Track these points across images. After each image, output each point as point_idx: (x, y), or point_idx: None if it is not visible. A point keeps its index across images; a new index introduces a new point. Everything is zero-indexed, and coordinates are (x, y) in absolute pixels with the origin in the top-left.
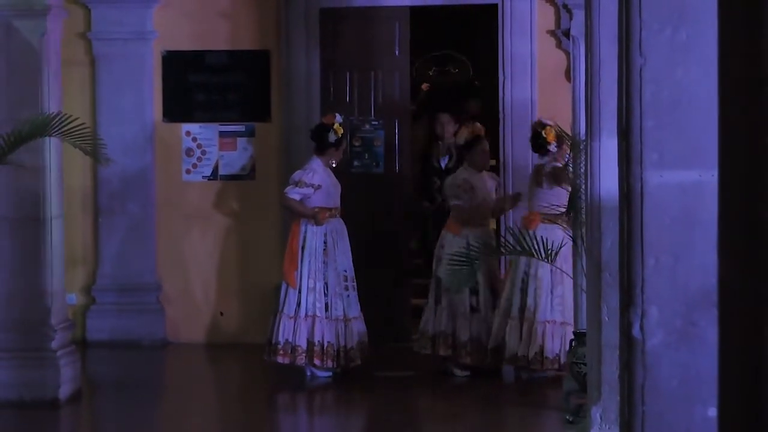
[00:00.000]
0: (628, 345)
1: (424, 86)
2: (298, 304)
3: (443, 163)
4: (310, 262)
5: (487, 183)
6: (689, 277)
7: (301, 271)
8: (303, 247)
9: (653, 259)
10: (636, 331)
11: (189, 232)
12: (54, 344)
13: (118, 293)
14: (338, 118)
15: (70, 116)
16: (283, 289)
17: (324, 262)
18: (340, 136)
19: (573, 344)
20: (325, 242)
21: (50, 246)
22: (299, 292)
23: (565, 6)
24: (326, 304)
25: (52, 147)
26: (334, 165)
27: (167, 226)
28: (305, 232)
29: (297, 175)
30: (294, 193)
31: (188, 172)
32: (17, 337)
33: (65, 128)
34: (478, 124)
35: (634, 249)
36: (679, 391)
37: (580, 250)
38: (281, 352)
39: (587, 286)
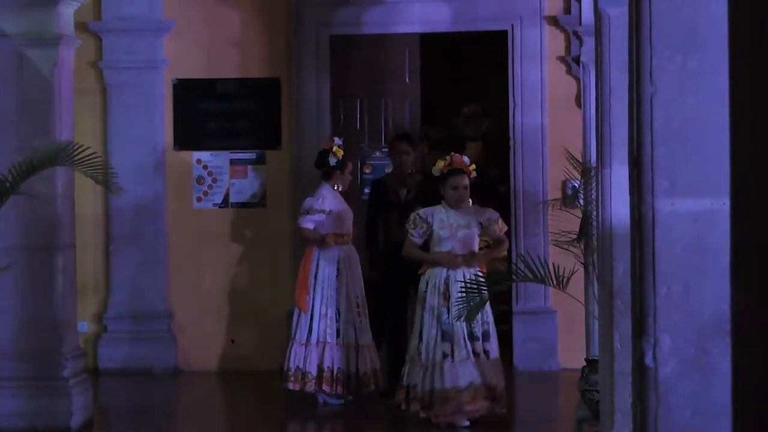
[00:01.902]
0: (641, 373)
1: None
2: (310, 331)
3: (402, 195)
4: (323, 288)
5: (460, 231)
6: (701, 305)
7: (313, 298)
8: (316, 274)
9: (665, 287)
10: (649, 359)
11: (200, 260)
12: (66, 373)
13: (129, 321)
14: (337, 141)
15: (82, 145)
16: (296, 316)
17: (336, 289)
18: (340, 158)
19: (585, 371)
20: (337, 269)
21: (62, 274)
22: (311, 318)
23: (575, 33)
24: (338, 330)
25: (63, 176)
26: (339, 189)
27: (178, 254)
28: (318, 258)
29: (307, 202)
30: (307, 222)
31: (199, 200)
32: (29, 365)
33: (77, 157)
34: (458, 157)
35: (646, 277)
36: (692, 421)
37: (592, 276)
38: (292, 378)
39: (599, 313)
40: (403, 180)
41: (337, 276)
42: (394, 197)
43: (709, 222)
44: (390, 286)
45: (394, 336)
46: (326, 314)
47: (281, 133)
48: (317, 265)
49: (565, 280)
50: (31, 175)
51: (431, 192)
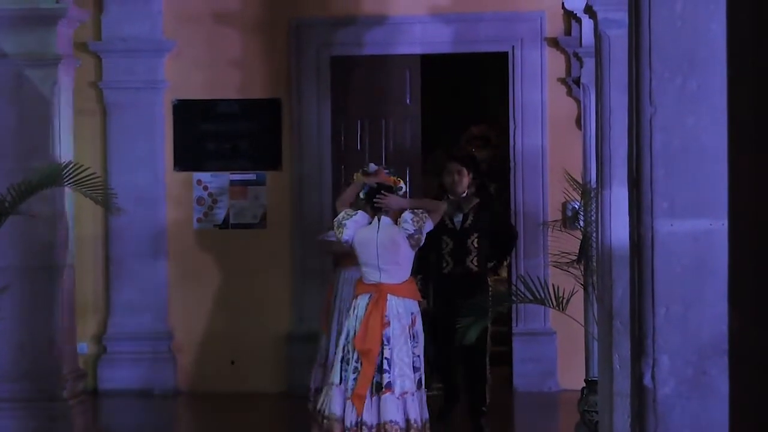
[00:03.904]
0: (640, 394)
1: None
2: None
3: (457, 222)
4: (339, 311)
5: None
6: (700, 326)
7: (330, 318)
8: (336, 295)
9: (664, 308)
10: (647, 380)
11: (200, 281)
12: (65, 394)
13: (129, 342)
14: (371, 167)
15: (82, 165)
16: (343, 340)
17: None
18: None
19: (585, 392)
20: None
21: (61, 295)
22: (329, 338)
23: (575, 54)
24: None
25: (63, 196)
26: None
27: (178, 274)
28: (337, 280)
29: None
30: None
31: (199, 220)
32: (28, 386)
33: (76, 178)
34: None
35: (645, 298)
36: None
37: (591, 297)
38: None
39: (599, 334)
40: (459, 204)
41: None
42: (449, 223)
43: (708, 243)
44: (440, 318)
45: (445, 365)
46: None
47: (281, 154)
48: (336, 286)
49: (564, 301)
50: (30, 195)
51: (489, 217)
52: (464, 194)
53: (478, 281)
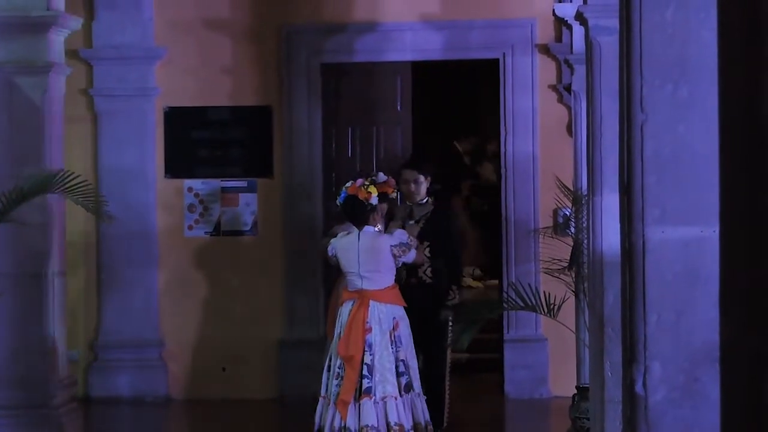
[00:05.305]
0: (631, 401)
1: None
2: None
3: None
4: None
5: None
6: (691, 333)
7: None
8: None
9: (655, 315)
10: (639, 387)
11: (191, 288)
12: (56, 401)
13: (120, 349)
14: (381, 176)
15: (72, 173)
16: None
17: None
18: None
19: (576, 399)
20: None
21: (52, 302)
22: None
23: (566, 61)
24: None
25: (54, 204)
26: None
27: (169, 281)
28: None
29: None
30: None
31: (190, 227)
32: (18, 394)
33: (67, 185)
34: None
35: (636, 305)
36: None
37: (583, 304)
38: None
39: (590, 341)
40: (411, 212)
41: None
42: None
43: (699, 250)
44: None
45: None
46: None
47: (273, 161)
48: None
49: (556, 308)
50: (21, 202)
51: (441, 227)
52: (423, 201)
53: (435, 293)
